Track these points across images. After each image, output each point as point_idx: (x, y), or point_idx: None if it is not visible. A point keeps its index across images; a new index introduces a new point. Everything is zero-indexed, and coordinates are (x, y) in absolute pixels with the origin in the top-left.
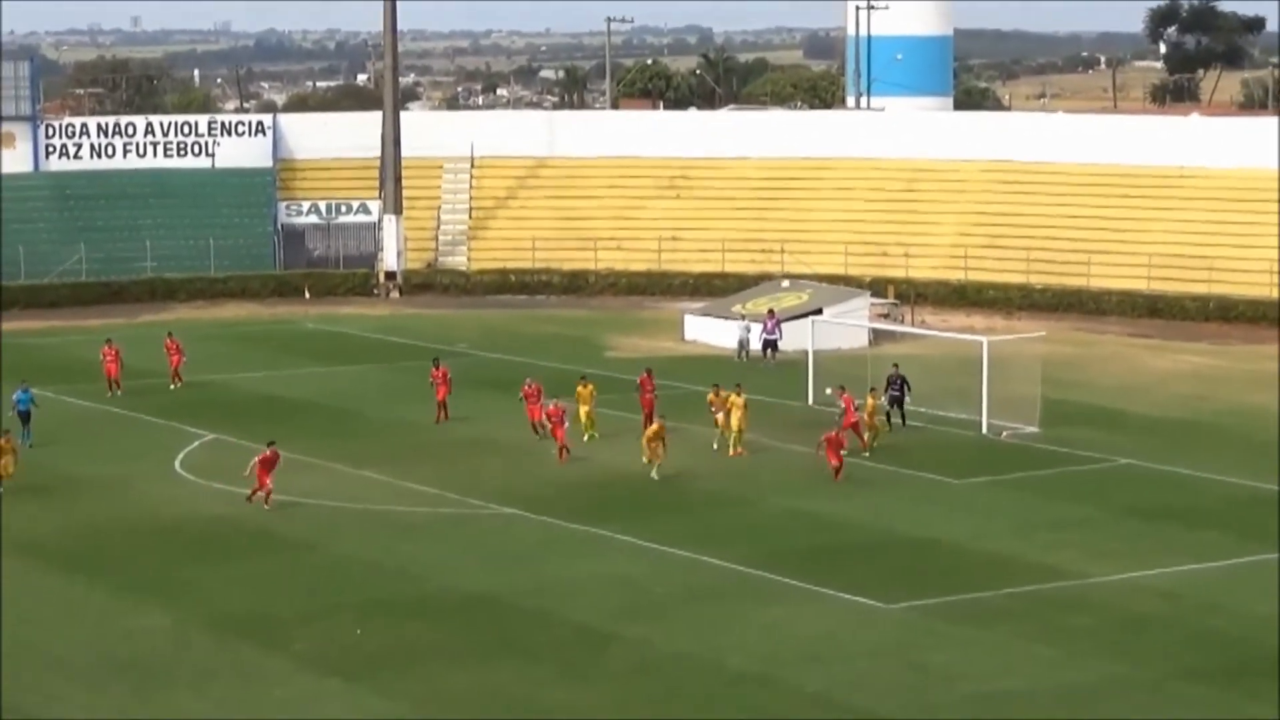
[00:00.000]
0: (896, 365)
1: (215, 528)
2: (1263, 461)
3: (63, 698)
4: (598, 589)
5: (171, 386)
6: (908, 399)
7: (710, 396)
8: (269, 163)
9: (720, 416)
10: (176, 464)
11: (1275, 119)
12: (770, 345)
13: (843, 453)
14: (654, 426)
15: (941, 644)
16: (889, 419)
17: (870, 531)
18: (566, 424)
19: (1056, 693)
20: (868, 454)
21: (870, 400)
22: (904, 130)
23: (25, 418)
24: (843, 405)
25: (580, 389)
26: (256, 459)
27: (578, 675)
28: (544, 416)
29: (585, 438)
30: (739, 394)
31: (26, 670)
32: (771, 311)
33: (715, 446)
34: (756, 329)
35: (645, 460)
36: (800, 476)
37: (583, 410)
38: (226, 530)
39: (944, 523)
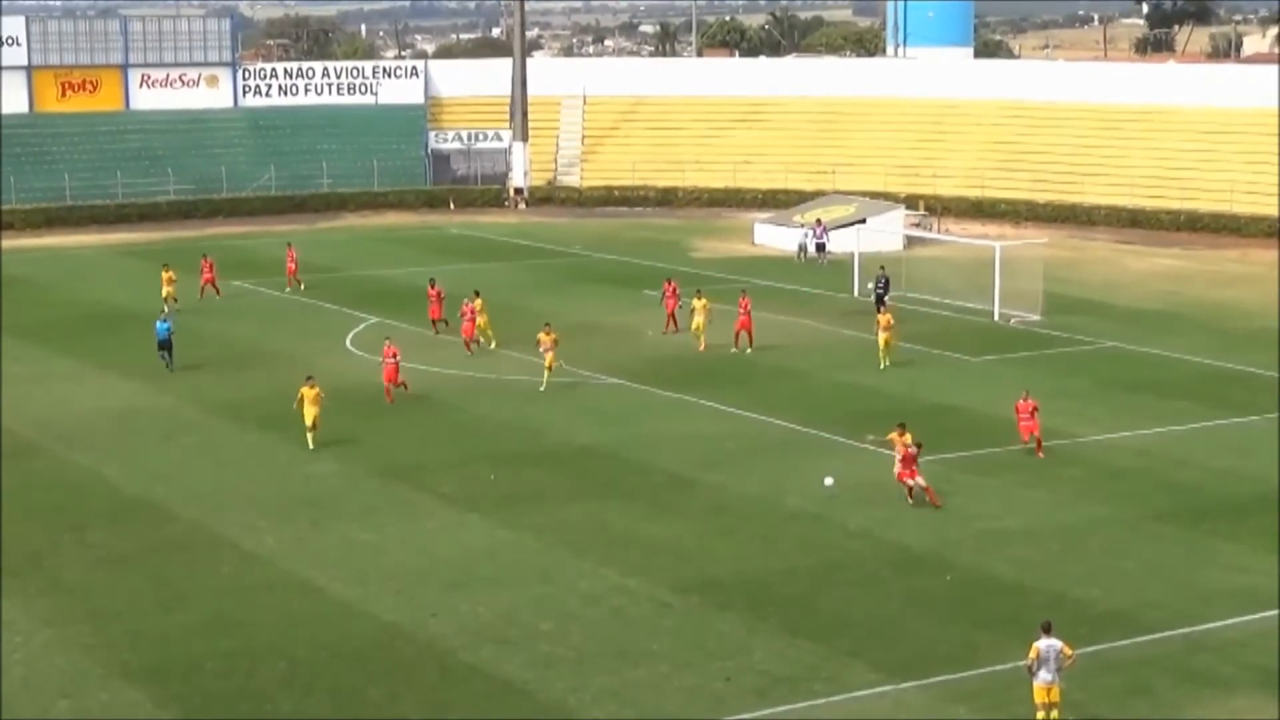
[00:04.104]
0: (883, 267)
1: (379, 393)
2: (1223, 344)
3: (257, 528)
4: (683, 443)
5: (286, 290)
6: (887, 297)
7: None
8: (421, 100)
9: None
10: (347, 342)
11: (1237, 66)
12: (820, 248)
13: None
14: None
15: (959, 489)
16: (878, 313)
17: (904, 399)
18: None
19: (1051, 529)
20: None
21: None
22: (933, 75)
23: (165, 345)
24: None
25: (477, 302)
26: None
27: (667, 511)
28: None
29: (480, 342)
30: (699, 298)
31: (229, 507)
32: (819, 220)
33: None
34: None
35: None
36: (847, 355)
37: (481, 320)
38: None
39: (963, 392)
